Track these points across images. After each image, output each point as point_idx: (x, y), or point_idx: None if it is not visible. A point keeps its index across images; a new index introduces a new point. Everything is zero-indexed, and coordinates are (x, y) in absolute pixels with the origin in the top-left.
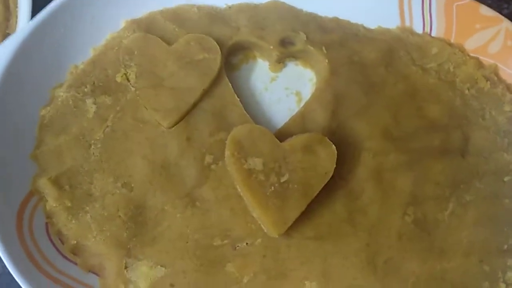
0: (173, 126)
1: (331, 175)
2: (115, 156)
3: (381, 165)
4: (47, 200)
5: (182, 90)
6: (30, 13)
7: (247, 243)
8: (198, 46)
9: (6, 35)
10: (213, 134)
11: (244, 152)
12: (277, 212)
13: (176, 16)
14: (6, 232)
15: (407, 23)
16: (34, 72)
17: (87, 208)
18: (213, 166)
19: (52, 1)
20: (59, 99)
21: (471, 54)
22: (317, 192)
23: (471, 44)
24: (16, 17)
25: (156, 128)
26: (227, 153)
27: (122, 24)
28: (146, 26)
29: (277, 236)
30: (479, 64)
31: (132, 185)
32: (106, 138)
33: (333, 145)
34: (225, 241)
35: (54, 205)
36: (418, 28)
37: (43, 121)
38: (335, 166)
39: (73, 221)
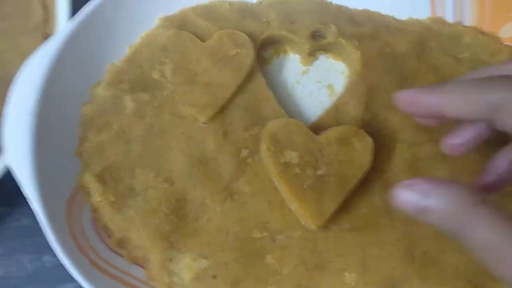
0: (209, 121)
1: (368, 167)
2: (154, 151)
3: (416, 156)
4: (92, 196)
5: (216, 86)
6: (69, 14)
7: (285, 236)
8: (231, 42)
9: (46, 36)
10: (248, 129)
11: (280, 146)
12: (315, 205)
13: (208, 12)
14: (57, 227)
15: (439, 13)
16: (74, 72)
17: (130, 202)
18: (249, 160)
19: (89, 2)
20: (99, 97)
21: (506, 43)
22: (354, 184)
23: (506, 33)
24: (55, 18)
25: (193, 123)
26: (263, 147)
27: (156, 21)
28: (179, 23)
29: (315, 229)
30: None
31: (173, 179)
32: (145, 133)
33: (369, 137)
34: (264, 234)
35: (99, 199)
36: (450, 18)
37: (85, 119)
38: (371, 158)
39: (118, 216)
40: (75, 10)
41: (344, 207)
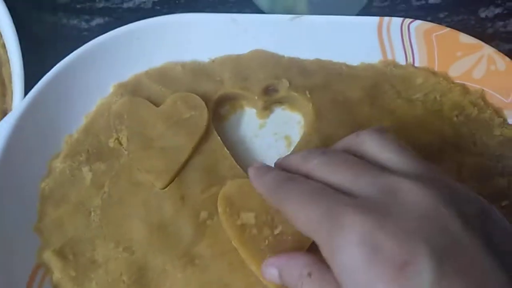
0: (166, 187)
1: None
2: (114, 221)
3: None
4: (53, 272)
5: (172, 150)
6: (23, 88)
7: None
8: (184, 105)
9: (3, 110)
10: (205, 190)
11: (236, 208)
12: None
13: (161, 76)
14: None
15: (389, 56)
16: (31, 146)
17: (92, 275)
18: (208, 222)
19: (43, 77)
20: (57, 170)
21: (456, 81)
22: (311, 241)
23: (455, 71)
24: (11, 92)
25: (151, 189)
26: (219, 210)
27: (110, 89)
28: (133, 89)
29: None
30: (465, 91)
31: (133, 248)
32: (104, 204)
33: None
34: None
35: (60, 276)
36: (401, 60)
37: (44, 193)
38: None
39: None
40: (31, 82)
41: None
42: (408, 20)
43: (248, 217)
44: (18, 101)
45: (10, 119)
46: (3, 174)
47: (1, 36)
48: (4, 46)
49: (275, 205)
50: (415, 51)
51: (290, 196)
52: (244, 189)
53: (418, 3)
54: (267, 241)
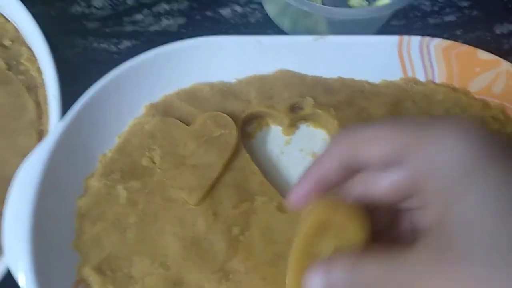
0: (199, 203)
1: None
2: (149, 237)
3: None
4: (93, 287)
5: (204, 167)
6: (60, 110)
7: None
8: (214, 124)
9: (40, 132)
10: (236, 206)
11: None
12: None
13: (191, 96)
14: None
15: (410, 74)
16: (68, 167)
17: None
18: (240, 238)
19: (78, 99)
20: (93, 189)
21: (477, 96)
22: None
23: (474, 87)
24: (48, 114)
25: (184, 205)
26: (303, 229)
27: (142, 109)
28: (164, 109)
29: None
30: (486, 106)
31: (168, 263)
32: (139, 221)
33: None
34: None
35: None
36: (421, 77)
37: (81, 211)
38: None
39: None
40: (67, 103)
41: None
42: (427, 38)
43: (327, 250)
44: (55, 122)
45: (49, 140)
46: (43, 193)
47: (37, 60)
48: (39, 70)
49: None
50: (434, 68)
51: None
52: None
53: (434, 21)
54: None
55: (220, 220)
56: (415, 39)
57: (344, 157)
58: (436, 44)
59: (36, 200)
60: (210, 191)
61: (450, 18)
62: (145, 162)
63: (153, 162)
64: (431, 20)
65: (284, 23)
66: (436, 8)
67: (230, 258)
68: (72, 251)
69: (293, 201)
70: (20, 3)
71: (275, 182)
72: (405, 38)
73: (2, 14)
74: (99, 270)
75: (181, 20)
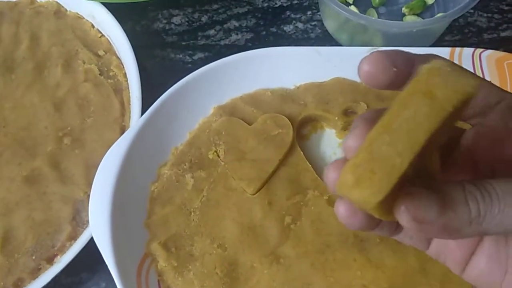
0: (256, 193)
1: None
2: (210, 221)
3: None
4: (158, 261)
5: (262, 161)
6: (140, 108)
7: None
8: (273, 124)
9: (122, 127)
10: (290, 198)
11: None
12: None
13: (254, 100)
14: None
15: None
16: (145, 156)
17: (190, 266)
18: (292, 226)
19: (156, 100)
20: (164, 176)
21: None
22: None
23: None
24: (129, 112)
25: (242, 194)
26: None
27: (211, 110)
28: (230, 110)
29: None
30: None
31: (226, 245)
32: (202, 206)
33: None
34: None
35: (164, 265)
36: None
37: (153, 195)
38: None
39: (180, 278)
40: (146, 104)
41: (382, 267)
42: (479, 50)
43: None
44: (136, 120)
45: (130, 134)
46: (122, 178)
47: (124, 67)
48: (125, 75)
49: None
50: (487, 79)
51: None
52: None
53: (489, 36)
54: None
55: (274, 209)
56: (467, 51)
57: None
58: (489, 55)
59: (116, 184)
60: (267, 183)
61: (507, 33)
62: (211, 155)
63: (218, 156)
64: (486, 36)
65: (342, 38)
66: (492, 24)
67: (282, 243)
68: (143, 229)
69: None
70: (115, 20)
71: None
72: (457, 49)
73: (99, 30)
74: (165, 246)
75: (248, 35)
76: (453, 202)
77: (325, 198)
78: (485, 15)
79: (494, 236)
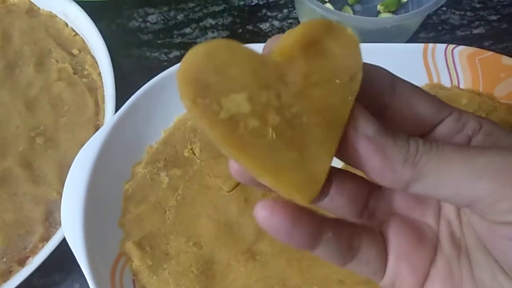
0: (232, 190)
1: (360, 77)
2: (186, 219)
3: None
4: (133, 260)
5: None
6: (114, 107)
7: None
8: None
9: (96, 126)
10: (266, 194)
11: (213, 92)
12: (297, 170)
13: None
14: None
15: (435, 80)
16: (118, 154)
17: (165, 265)
18: None
19: (130, 98)
20: (139, 175)
21: (502, 101)
22: (348, 115)
23: (500, 92)
24: (104, 111)
25: (218, 192)
26: (186, 104)
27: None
28: None
29: (308, 203)
30: (511, 110)
31: (202, 243)
32: (178, 204)
33: (349, 29)
34: None
35: (139, 264)
36: (446, 83)
37: (127, 193)
38: (360, 60)
39: (154, 277)
40: (120, 103)
41: None
42: (451, 46)
43: (237, 102)
44: (110, 118)
45: (103, 132)
46: (95, 177)
47: (98, 66)
48: (100, 74)
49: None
50: (459, 74)
51: None
52: (219, 58)
53: (462, 33)
54: (276, 132)
55: (251, 206)
56: (440, 47)
57: None
58: (461, 51)
59: (89, 183)
60: None
61: (479, 30)
62: (186, 153)
63: (194, 154)
64: (459, 33)
65: None
66: (465, 22)
67: (258, 241)
68: (117, 228)
69: None
70: (89, 19)
71: None
72: (430, 45)
73: (72, 29)
74: (139, 245)
75: (224, 33)
76: (393, 133)
77: None
78: (458, 12)
79: (446, 257)
